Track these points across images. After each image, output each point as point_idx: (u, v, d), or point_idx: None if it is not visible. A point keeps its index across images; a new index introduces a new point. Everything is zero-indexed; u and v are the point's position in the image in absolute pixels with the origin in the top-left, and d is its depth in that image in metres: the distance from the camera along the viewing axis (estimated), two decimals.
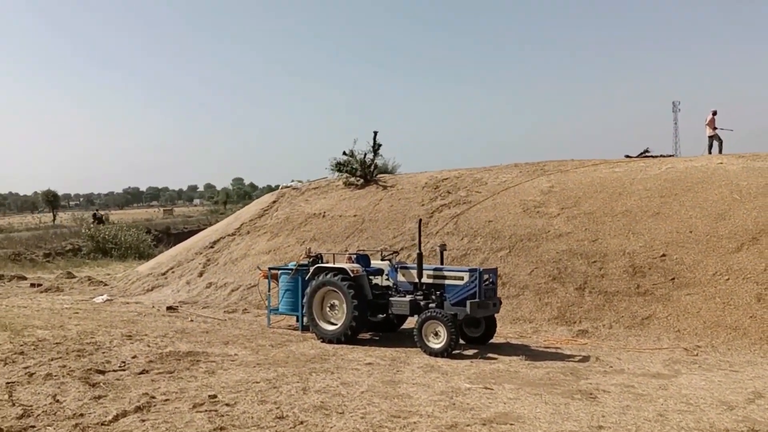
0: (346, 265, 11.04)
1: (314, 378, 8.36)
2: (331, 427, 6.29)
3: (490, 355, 10.12)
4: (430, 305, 10.45)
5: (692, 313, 11.71)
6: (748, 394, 7.85)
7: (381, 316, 11.59)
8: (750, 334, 10.90)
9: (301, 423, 6.38)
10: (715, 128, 19.53)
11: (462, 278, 10.27)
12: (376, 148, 20.52)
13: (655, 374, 9.01)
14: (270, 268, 13.08)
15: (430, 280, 10.61)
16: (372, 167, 20.12)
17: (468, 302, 9.94)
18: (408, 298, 10.72)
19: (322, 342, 11.05)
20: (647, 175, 16.26)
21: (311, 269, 11.44)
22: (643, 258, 13.29)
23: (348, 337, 10.82)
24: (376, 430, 6.22)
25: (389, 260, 11.53)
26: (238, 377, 8.30)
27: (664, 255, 13.21)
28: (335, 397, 7.40)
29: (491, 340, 11.00)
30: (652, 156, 19.84)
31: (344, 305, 10.90)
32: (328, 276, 11.02)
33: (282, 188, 22.43)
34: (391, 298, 10.85)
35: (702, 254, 12.94)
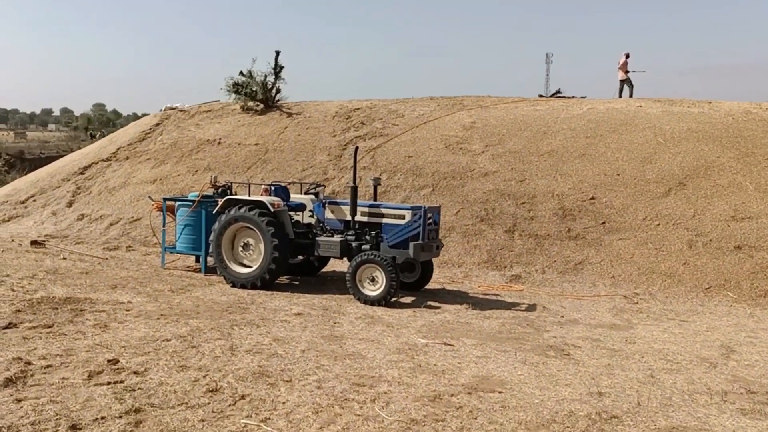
0: (265, 198, 9.36)
1: (238, 333, 6.81)
2: (284, 403, 4.85)
3: (431, 303, 9.01)
4: (363, 247, 9.11)
5: (625, 258, 11.27)
6: (718, 348, 7.32)
7: (300, 258, 10.11)
8: (684, 281, 10.60)
9: (243, 398, 4.89)
10: (627, 71, 19.33)
11: (403, 217, 8.98)
12: (277, 70, 18.43)
13: (611, 325, 8.33)
14: (165, 199, 11.05)
15: (365, 219, 9.23)
16: (274, 91, 18.06)
17: (411, 244, 8.68)
18: (337, 238, 9.29)
19: (233, 287, 9.42)
20: (570, 114, 15.67)
21: (220, 201, 9.64)
22: (572, 200, 12.69)
23: (265, 282, 9.26)
24: (342, 404, 4.87)
25: (314, 194, 9.97)
26: (140, 333, 6.56)
27: (593, 198, 12.68)
28: (273, 359, 5.94)
29: (426, 286, 9.90)
30: (564, 97, 19.39)
31: (261, 245, 9.28)
32: (243, 210, 9.30)
33: (166, 109, 19.76)
34: (317, 238, 9.36)
35: (631, 198, 12.54)
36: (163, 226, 10.92)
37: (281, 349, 6.28)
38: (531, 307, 9.09)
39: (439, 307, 8.74)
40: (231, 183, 10.57)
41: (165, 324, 6.97)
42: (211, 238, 9.63)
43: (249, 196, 9.64)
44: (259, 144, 16.09)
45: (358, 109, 17.15)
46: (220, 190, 10.25)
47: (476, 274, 11.27)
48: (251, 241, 9.46)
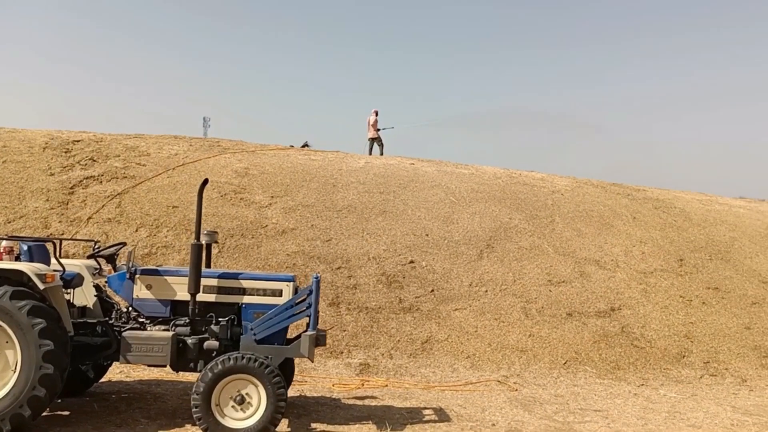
0: (25, 266, 5.14)
1: None
2: None
3: (318, 426, 5.88)
4: (208, 344, 5.60)
5: (471, 333, 9.65)
6: None
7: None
8: (540, 357, 9.40)
9: None
10: (378, 129, 18.50)
11: (279, 292, 5.78)
12: None
13: (556, 429, 6.42)
14: None
15: (212, 297, 5.73)
16: None
17: (305, 335, 5.55)
18: (160, 331, 5.57)
19: None
20: (351, 167, 13.87)
21: None
22: (392, 264, 10.71)
23: (21, 422, 4.98)
24: None
25: (107, 258, 5.99)
26: None
27: (412, 261, 10.91)
28: None
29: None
30: (313, 149, 17.62)
31: (14, 353, 5.02)
32: None
33: None
34: (124, 334, 5.47)
35: (448, 261, 11.12)
36: None
37: None
38: (443, 416, 6.66)
39: None
40: None
41: None
42: None
43: None
44: None
45: (79, 141, 12.62)
46: None
47: (312, 365, 8.34)
48: None
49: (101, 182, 11.21)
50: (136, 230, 10.18)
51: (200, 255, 5.58)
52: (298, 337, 5.81)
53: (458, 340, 9.49)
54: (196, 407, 5.15)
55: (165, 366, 5.59)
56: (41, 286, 5.06)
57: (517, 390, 8.19)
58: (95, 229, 10.05)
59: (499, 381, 8.49)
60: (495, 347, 9.46)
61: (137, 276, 5.68)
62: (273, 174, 12.66)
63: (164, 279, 5.71)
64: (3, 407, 4.91)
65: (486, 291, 10.63)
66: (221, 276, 5.80)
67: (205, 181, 5.72)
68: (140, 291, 5.66)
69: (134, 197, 10.95)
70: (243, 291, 5.78)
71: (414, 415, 6.58)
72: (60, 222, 10.09)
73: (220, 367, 5.20)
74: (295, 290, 5.84)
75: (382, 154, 18.43)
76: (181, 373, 6.94)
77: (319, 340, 5.68)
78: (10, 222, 9.88)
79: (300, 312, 5.69)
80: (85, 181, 11.15)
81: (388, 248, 11.10)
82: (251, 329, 5.64)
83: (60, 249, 6.80)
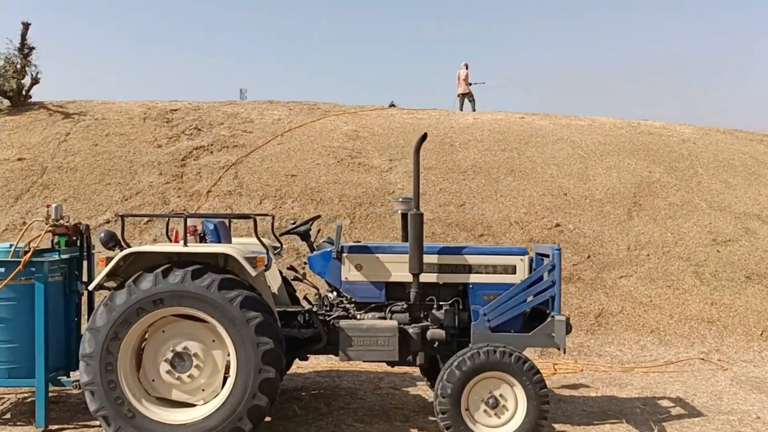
0: (232, 249, 4.19)
1: None
2: None
3: (565, 427, 4.88)
4: (432, 333, 4.59)
5: (645, 303, 8.52)
6: None
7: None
8: (732, 328, 8.22)
9: None
10: (469, 84, 17.16)
11: (511, 268, 4.73)
12: (26, 51, 11.93)
13: None
14: None
15: (433, 277, 4.71)
16: (29, 80, 11.56)
17: (555, 320, 4.51)
18: (379, 320, 4.60)
19: None
20: (462, 124, 12.69)
21: (111, 259, 4.14)
22: (537, 228, 9.61)
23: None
24: None
25: (301, 235, 5.03)
26: None
27: (558, 225, 9.77)
28: None
29: None
30: (401, 108, 16.46)
31: (224, 354, 4.12)
32: (179, 278, 4.01)
33: None
34: (342, 323, 4.51)
35: (596, 223, 9.95)
36: None
37: None
38: (688, 408, 5.60)
39: None
40: (117, 223, 4.90)
41: None
42: (86, 348, 4.05)
43: (182, 241, 4.28)
44: (27, 159, 9.70)
45: (177, 110, 11.74)
46: (109, 239, 4.53)
47: None
48: (192, 347, 4.17)
49: (212, 152, 10.32)
50: (260, 202, 9.28)
51: (422, 227, 4.56)
52: (535, 322, 4.77)
53: (634, 312, 8.37)
54: (443, 413, 4.18)
55: (390, 361, 4.62)
56: (252, 273, 4.10)
57: (727, 369, 7.06)
58: (218, 202, 9.18)
59: (702, 359, 7.37)
60: (678, 319, 8.31)
61: (344, 255, 4.69)
62: (385, 135, 11.59)
63: (376, 257, 4.72)
64: (220, 421, 4.01)
65: (648, 255, 9.44)
66: (442, 251, 4.78)
67: (424, 136, 4.66)
68: (349, 272, 4.67)
69: (249, 167, 10.03)
70: (469, 268, 4.74)
71: (653, 408, 5.52)
72: (179, 197, 9.24)
73: (469, 363, 4.20)
74: (530, 266, 4.79)
75: (474, 110, 17.17)
76: (355, 361, 6.06)
77: (568, 326, 4.62)
78: (127, 199, 9.07)
79: (543, 291, 4.64)
80: (194, 152, 10.27)
81: (528, 211, 9.98)
82: (484, 314, 4.62)
83: (282, 229, 5.84)
